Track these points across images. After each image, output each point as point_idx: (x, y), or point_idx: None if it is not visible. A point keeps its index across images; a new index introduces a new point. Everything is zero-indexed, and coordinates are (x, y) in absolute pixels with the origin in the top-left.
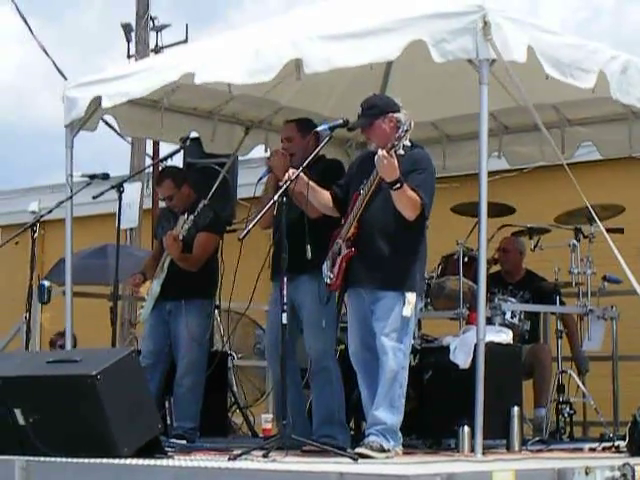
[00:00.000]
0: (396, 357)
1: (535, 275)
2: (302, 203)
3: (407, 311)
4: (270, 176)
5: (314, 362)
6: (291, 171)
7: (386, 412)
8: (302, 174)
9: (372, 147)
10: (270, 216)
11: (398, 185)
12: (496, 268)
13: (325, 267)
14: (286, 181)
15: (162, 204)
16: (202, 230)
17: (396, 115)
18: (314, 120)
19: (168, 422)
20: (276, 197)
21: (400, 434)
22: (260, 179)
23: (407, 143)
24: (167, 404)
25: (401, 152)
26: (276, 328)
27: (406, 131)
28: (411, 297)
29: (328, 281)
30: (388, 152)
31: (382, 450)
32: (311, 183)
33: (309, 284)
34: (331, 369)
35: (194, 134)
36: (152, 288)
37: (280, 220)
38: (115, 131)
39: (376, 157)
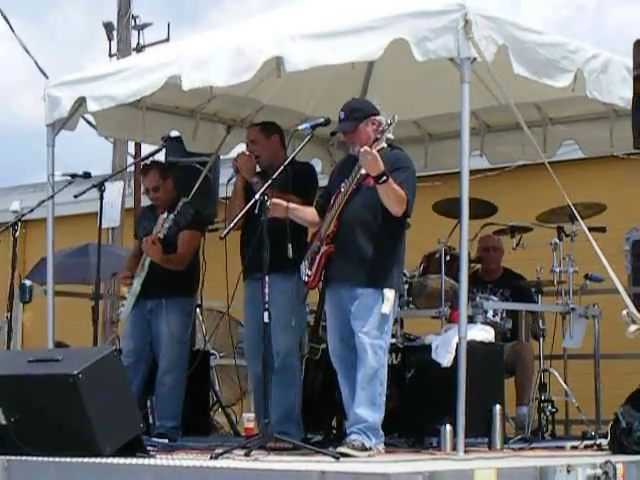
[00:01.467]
0: (376, 355)
1: (512, 273)
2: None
3: (386, 308)
4: (238, 177)
5: (280, 359)
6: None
7: (367, 410)
8: (282, 204)
9: (355, 151)
10: (242, 218)
11: (384, 178)
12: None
13: (303, 266)
14: (248, 182)
15: (144, 203)
16: (185, 228)
17: (378, 118)
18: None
19: (150, 421)
20: (257, 195)
21: (382, 432)
22: (230, 180)
23: (390, 136)
24: (149, 403)
25: (383, 144)
26: (253, 327)
27: (389, 124)
28: (389, 294)
29: (305, 279)
30: (370, 147)
31: (364, 449)
32: (292, 205)
33: (282, 283)
34: (295, 367)
35: (175, 133)
36: (133, 286)
37: (255, 220)
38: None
39: (360, 153)
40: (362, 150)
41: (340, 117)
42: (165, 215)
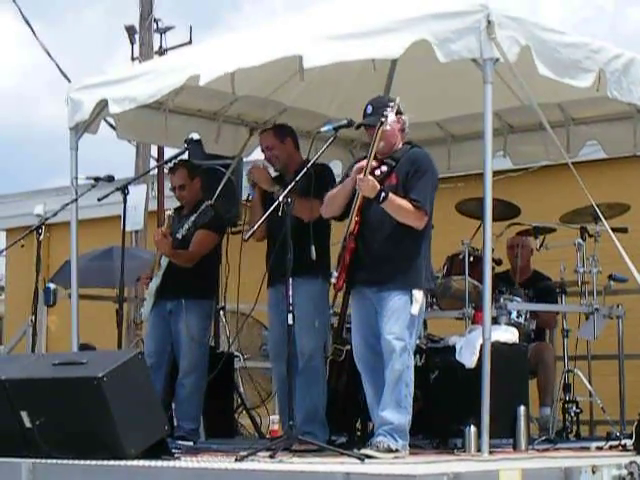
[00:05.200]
0: (402, 357)
1: (541, 275)
2: (303, 211)
3: (415, 309)
4: (256, 189)
5: (304, 360)
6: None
7: (393, 412)
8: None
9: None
10: (264, 227)
11: (383, 195)
12: (500, 268)
13: (334, 269)
14: (282, 197)
15: (167, 206)
16: (200, 228)
17: (404, 117)
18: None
19: (175, 424)
20: (281, 198)
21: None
22: (248, 197)
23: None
24: (174, 405)
25: (399, 145)
26: (277, 329)
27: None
28: (418, 295)
29: (334, 281)
30: (365, 174)
31: (389, 450)
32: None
33: (305, 285)
34: (319, 368)
35: (196, 136)
36: (150, 286)
37: (279, 225)
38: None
39: (357, 180)
40: (358, 178)
41: (367, 111)
42: (170, 212)
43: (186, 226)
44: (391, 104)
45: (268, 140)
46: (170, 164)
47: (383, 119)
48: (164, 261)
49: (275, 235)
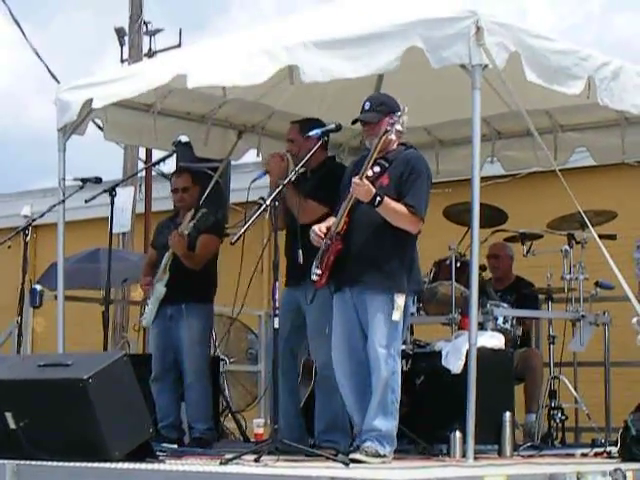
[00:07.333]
0: (387, 364)
1: (523, 281)
2: (294, 209)
3: (396, 315)
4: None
5: (320, 369)
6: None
7: (380, 420)
8: (294, 192)
9: (369, 144)
10: (284, 218)
11: (379, 199)
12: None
13: (314, 265)
14: (278, 186)
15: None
16: (204, 232)
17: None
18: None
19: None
20: (268, 201)
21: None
22: (254, 180)
23: (399, 127)
24: (185, 408)
25: (394, 146)
26: (285, 330)
27: (399, 116)
28: (400, 300)
29: (315, 278)
30: (361, 178)
31: (377, 455)
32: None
33: (319, 292)
34: (334, 376)
35: (185, 138)
36: (156, 290)
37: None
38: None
39: (352, 184)
40: (354, 182)
41: (364, 107)
42: (192, 212)
43: (186, 232)
44: (398, 113)
45: (292, 133)
46: (163, 165)
47: (389, 127)
48: (168, 265)
49: (292, 231)
